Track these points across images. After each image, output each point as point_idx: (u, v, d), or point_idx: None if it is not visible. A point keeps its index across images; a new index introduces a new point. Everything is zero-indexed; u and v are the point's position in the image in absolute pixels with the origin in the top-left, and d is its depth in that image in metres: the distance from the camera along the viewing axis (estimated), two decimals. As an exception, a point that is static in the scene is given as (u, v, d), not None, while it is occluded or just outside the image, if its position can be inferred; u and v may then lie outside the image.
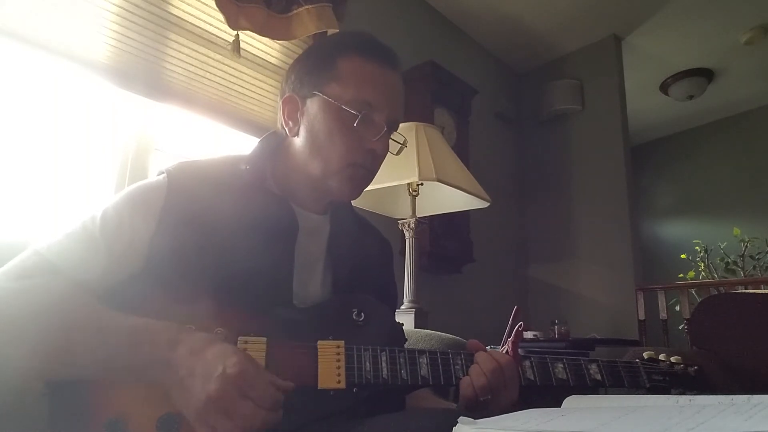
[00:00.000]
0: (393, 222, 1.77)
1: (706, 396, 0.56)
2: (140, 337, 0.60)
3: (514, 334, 0.72)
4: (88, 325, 0.61)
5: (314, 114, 0.77)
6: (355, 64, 0.77)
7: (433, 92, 2.60)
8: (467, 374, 0.69)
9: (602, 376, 0.73)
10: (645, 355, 0.79)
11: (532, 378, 0.72)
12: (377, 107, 0.76)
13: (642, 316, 2.78)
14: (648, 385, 0.75)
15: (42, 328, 0.59)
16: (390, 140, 0.82)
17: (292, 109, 0.80)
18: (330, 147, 0.76)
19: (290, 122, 0.80)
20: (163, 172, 0.75)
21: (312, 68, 0.79)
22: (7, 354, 0.59)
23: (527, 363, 0.73)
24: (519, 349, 0.73)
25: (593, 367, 0.74)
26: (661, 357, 0.79)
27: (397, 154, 0.87)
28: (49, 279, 0.64)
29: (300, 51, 2.06)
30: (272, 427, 0.55)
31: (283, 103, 0.81)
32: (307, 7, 1.91)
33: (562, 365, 0.73)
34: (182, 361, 0.57)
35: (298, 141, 0.79)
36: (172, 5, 1.76)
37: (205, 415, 0.54)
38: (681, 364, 0.77)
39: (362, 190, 0.82)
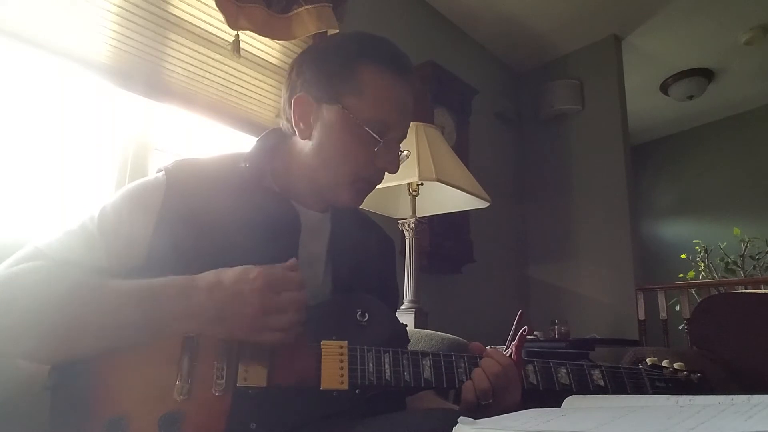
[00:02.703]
0: (393, 222, 1.77)
1: (706, 396, 0.56)
2: (148, 294, 0.61)
3: (518, 338, 0.72)
4: (94, 293, 0.62)
5: (331, 124, 0.76)
6: (377, 77, 0.75)
7: (433, 92, 2.60)
8: (470, 377, 0.69)
9: (605, 381, 0.73)
10: (648, 360, 0.78)
11: (534, 382, 0.72)
12: (393, 127, 0.77)
13: (642, 316, 2.78)
14: (651, 393, 0.74)
15: (44, 305, 0.59)
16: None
17: (306, 111, 0.78)
18: (343, 161, 0.76)
19: (302, 124, 0.78)
20: (161, 170, 0.75)
21: (330, 72, 0.76)
22: (9, 337, 0.59)
23: (530, 367, 0.73)
24: (522, 353, 0.73)
25: (596, 373, 0.73)
26: (664, 363, 0.78)
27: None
28: (47, 262, 0.64)
29: (300, 51, 2.06)
30: (306, 305, 0.64)
31: (294, 102, 0.78)
32: (307, 7, 1.91)
33: (565, 370, 0.73)
34: (206, 301, 0.61)
35: (309, 145, 0.78)
36: (172, 5, 1.76)
37: (264, 326, 0.61)
38: (684, 370, 0.77)
39: (364, 199, 0.83)
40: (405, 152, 0.86)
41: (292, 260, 0.66)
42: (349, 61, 0.76)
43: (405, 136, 0.81)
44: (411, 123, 1.67)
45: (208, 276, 0.63)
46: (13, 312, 0.59)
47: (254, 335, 0.61)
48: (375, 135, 0.74)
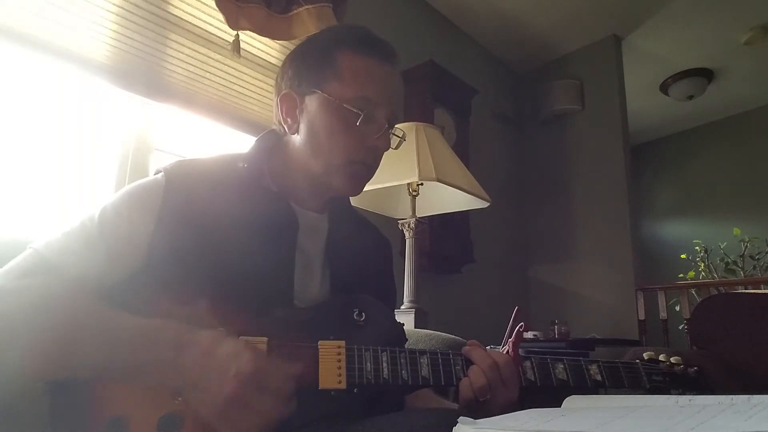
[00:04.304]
0: (393, 222, 1.77)
1: (706, 396, 0.56)
2: (144, 337, 0.59)
3: (515, 335, 0.72)
4: (90, 324, 0.61)
5: (314, 112, 0.77)
6: (354, 60, 0.77)
7: (433, 92, 2.60)
8: (467, 375, 0.69)
9: (602, 376, 0.73)
10: (645, 355, 0.79)
11: (532, 378, 0.72)
12: (378, 104, 0.76)
13: (642, 316, 2.78)
14: (648, 386, 0.75)
15: (42, 326, 0.59)
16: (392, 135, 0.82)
17: (291, 107, 0.80)
18: (331, 145, 0.76)
19: (289, 119, 0.80)
20: (160, 171, 0.75)
21: (310, 65, 0.79)
22: (6, 353, 0.59)
23: (528, 364, 0.73)
24: (519, 350, 0.73)
25: (593, 368, 0.73)
26: (661, 357, 0.78)
27: (396, 148, 0.86)
28: (49, 278, 0.64)
29: (300, 51, 2.06)
30: (288, 417, 0.57)
31: (280, 100, 0.81)
32: (307, 7, 1.91)
33: (562, 366, 0.73)
34: (194, 364, 0.56)
35: (298, 138, 0.79)
36: (172, 5, 1.76)
37: (227, 415, 0.55)
38: (681, 364, 0.77)
39: (364, 186, 0.82)
40: (400, 132, 0.85)
41: (297, 365, 0.60)
42: (327, 51, 0.78)
43: (395, 116, 0.80)
44: (411, 123, 1.71)
45: (206, 337, 0.58)
46: (13, 327, 0.59)
47: (217, 419, 0.55)
48: (356, 110, 0.74)
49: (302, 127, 0.79)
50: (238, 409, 0.54)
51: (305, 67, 0.79)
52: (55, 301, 0.62)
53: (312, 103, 0.77)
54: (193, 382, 0.56)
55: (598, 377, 0.73)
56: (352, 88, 0.75)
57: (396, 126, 0.84)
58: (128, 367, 0.59)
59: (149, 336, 0.59)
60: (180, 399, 0.59)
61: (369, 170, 0.80)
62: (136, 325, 0.60)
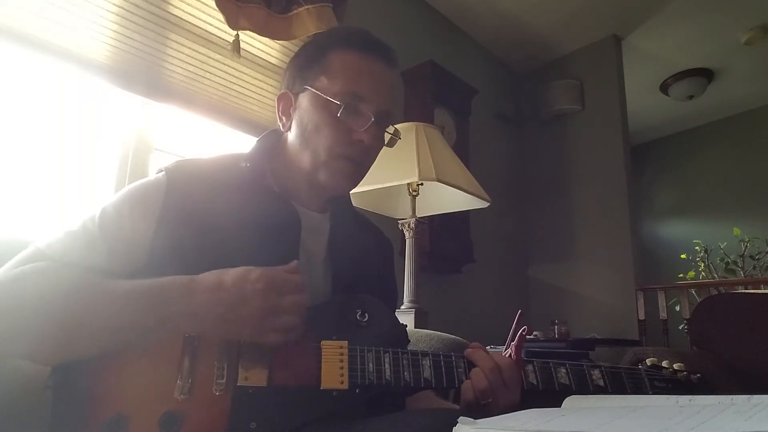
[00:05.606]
0: (393, 222, 1.77)
1: (706, 396, 0.56)
2: (158, 286, 0.62)
3: (518, 338, 0.72)
4: (97, 297, 0.62)
5: (304, 108, 0.79)
6: (343, 56, 0.78)
7: (433, 92, 2.59)
8: (469, 377, 0.69)
9: (605, 382, 0.73)
10: (648, 361, 0.78)
11: (534, 382, 0.72)
12: (365, 98, 0.76)
13: (642, 316, 2.78)
14: (651, 393, 0.74)
15: (48, 306, 0.59)
16: (385, 133, 0.82)
17: (286, 105, 0.82)
18: (317, 139, 0.77)
19: (284, 118, 0.82)
20: (161, 171, 0.75)
21: (304, 64, 0.81)
22: (12, 338, 0.59)
23: (530, 367, 0.73)
24: (522, 353, 0.73)
25: (596, 373, 0.73)
26: (664, 363, 0.78)
27: (389, 145, 0.85)
28: (48, 264, 0.64)
29: (300, 51, 2.06)
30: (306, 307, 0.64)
31: (278, 100, 0.83)
32: (307, 7, 1.91)
33: (564, 370, 0.73)
34: (209, 304, 0.60)
35: (291, 136, 0.81)
36: (172, 5, 1.76)
37: (266, 327, 0.61)
38: (684, 371, 0.77)
39: (354, 183, 0.81)
40: (392, 129, 0.84)
41: (293, 263, 0.66)
42: (320, 50, 0.80)
43: (387, 112, 0.80)
44: (411, 123, 1.71)
45: (209, 276, 0.63)
46: (17, 313, 0.59)
47: (256, 336, 0.61)
48: (339, 102, 0.74)
49: (293, 125, 0.80)
50: (273, 316, 0.61)
51: (300, 67, 0.81)
52: (55, 281, 0.62)
53: (303, 100, 0.79)
54: (216, 318, 0.60)
55: (601, 382, 0.73)
56: (338, 83, 0.76)
57: (394, 125, 0.84)
58: (141, 326, 0.60)
59: (155, 291, 0.62)
60: (181, 397, 0.59)
61: (356, 166, 0.79)
62: (142, 285, 0.62)
